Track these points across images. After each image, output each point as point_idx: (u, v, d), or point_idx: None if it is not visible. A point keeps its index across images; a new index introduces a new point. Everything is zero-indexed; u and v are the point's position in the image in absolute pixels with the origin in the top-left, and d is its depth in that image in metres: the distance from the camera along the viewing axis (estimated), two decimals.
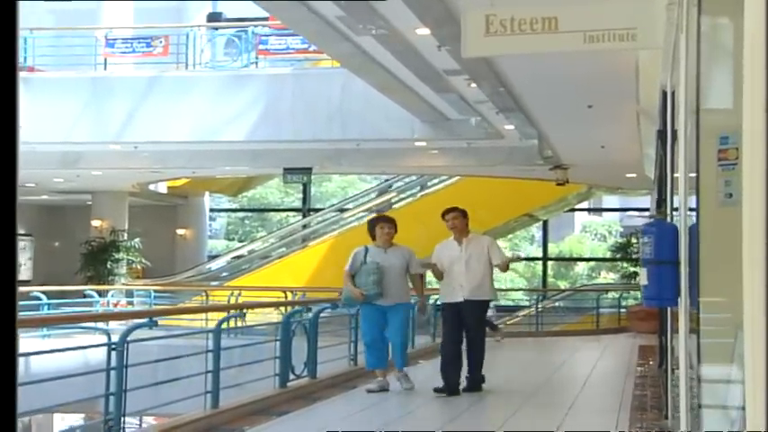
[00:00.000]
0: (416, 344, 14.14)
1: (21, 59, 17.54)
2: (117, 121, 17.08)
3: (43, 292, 16.59)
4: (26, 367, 11.05)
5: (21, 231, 27.36)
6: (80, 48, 18.25)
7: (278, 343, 9.72)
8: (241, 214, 38.10)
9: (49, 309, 15.82)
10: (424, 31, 9.27)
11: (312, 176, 29.47)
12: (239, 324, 12.31)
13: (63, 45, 18.42)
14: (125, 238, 23.57)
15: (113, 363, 6.74)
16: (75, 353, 10.17)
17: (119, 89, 17.28)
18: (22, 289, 19.04)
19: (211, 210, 30.36)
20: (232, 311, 10.05)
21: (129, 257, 23.42)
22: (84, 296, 18.73)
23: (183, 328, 13.24)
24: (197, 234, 27.89)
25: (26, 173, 19.76)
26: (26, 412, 6.24)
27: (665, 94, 6.49)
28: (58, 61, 18.05)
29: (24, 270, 27.32)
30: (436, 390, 9.22)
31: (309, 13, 9.62)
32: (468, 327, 9.34)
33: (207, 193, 28.29)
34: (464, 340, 9.44)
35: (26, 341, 14.22)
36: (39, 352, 7.34)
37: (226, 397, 8.33)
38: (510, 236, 32.42)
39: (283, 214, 35.27)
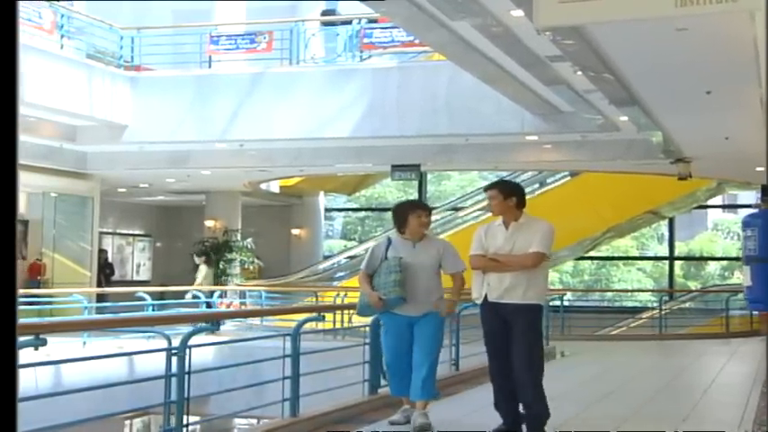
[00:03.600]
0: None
1: (128, 58, 17.62)
2: (222, 118, 16.94)
3: (149, 293, 16.53)
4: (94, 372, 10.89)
5: (140, 232, 27.80)
6: (188, 46, 18.18)
7: (367, 346, 9.20)
8: (361, 214, 37.87)
9: (153, 309, 15.75)
10: (518, 12, 8.62)
11: (430, 175, 29.43)
12: (319, 326, 11.81)
13: (171, 43, 18.36)
14: (238, 238, 23.54)
15: (174, 368, 6.34)
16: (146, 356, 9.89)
17: (223, 87, 17.12)
18: (130, 289, 19.24)
19: (327, 209, 30.16)
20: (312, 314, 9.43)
21: (242, 258, 23.36)
22: (194, 297, 18.67)
23: (279, 329, 12.87)
24: (312, 234, 27.76)
25: (138, 173, 19.94)
26: (74, 422, 5.84)
27: None
28: (166, 59, 18.01)
29: (143, 270, 27.74)
30: None
31: None
32: (513, 338, 6.70)
33: (321, 193, 28.14)
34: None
35: (99, 344, 14.17)
36: (93, 357, 7.00)
37: (307, 404, 7.89)
38: (636, 233, 31.31)
39: None
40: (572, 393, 10.21)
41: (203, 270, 21.86)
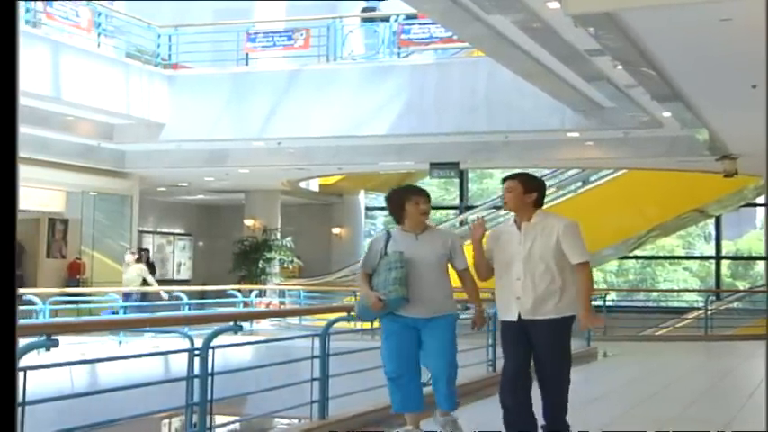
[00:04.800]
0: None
1: (165, 56, 17.59)
2: (259, 116, 16.86)
3: (186, 292, 16.49)
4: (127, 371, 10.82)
5: (180, 231, 27.85)
6: (226, 44, 18.11)
7: None
8: None
9: (189, 309, 15.70)
10: (554, 4, 8.37)
11: (471, 173, 29.20)
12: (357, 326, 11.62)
13: (209, 41, 18.30)
14: (277, 237, 23.47)
15: (196, 370, 6.20)
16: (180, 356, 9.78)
17: (260, 84, 17.04)
18: (166, 288, 19.22)
19: (367, 208, 30.01)
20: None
21: (282, 257, 23.27)
22: (228, 296, 18.59)
23: (316, 329, 12.71)
24: (353, 233, 27.63)
25: (176, 171, 19.93)
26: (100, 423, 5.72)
27: None
28: (203, 58, 17.96)
29: (184, 270, 27.81)
30: None
31: None
32: (537, 357, 5.97)
33: (362, 192, 27.99)
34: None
35: (135, 344, 14.09)
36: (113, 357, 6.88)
37: (338, 406, 7.71)
38: (682, 232, 30.82)
39: (443, 212, 34.70)
40: (614, 394, 10.03)
41: (137, 269, 18.38)
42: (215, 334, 6.32)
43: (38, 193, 18.74)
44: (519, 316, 5.89)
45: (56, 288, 17.62)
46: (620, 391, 10.40)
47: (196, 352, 6.24)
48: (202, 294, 19.60)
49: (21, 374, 4.85)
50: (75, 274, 19.49)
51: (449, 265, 6.36)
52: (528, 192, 5.99)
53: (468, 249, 6.25)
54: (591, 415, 8.25)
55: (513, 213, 6.10)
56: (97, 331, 12.33)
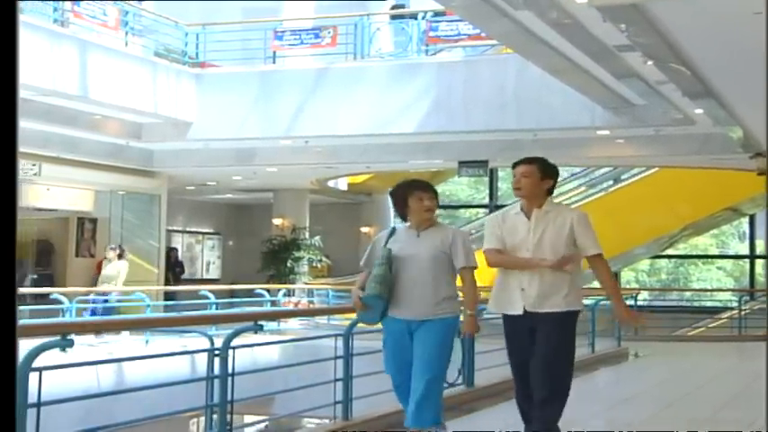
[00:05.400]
0: None
1: (193, 55, 17.57)
2: (287, 115, 16.78)
3: (214, 291, 16.45)
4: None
5: (209, 230, 27.86)
6: (253, 42, 18.06)
7: None
8: None
9: (216, 308, 15.66)
10: None
11: (502, 171, 28.98)
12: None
13: (236, 40, 18.23)
14: (306, 236, 23.40)
15: (216, 370, 6.12)
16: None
17: (287, 82, 16.96)
18: (194, 287, 19.21)
19: None
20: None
21: (310, 256, 23.20)
22: (256, 295, 18.56)
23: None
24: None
25: (204, 170, 19.93)
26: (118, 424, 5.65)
27: None
28: (231, 56, 17.90)
29: (213, 269, 27.81)
30: None
31: None
32: (538, 354, 5.46)
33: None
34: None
35: (162, 343, 14.05)
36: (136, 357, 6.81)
37: (362, 407, 7.61)
38: (716, 231, 30.47)
39: (473, 211, 34.52)
40: (645, 395, 9.89)
41: (118, 266, 17.11)
42: (235, 334, 6.24)
43: (66, 193, 18.79)
44: (524, 309, 5.49)
45: (81, 287, 17.64)
46: (651, 392, 10.26)
47: (216, 352, 6.16)
48: (232, 293, 19.59)
49: (35, 375, 4.80)
50: None
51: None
52: (545, 177, 5.64)
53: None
54: (620, 416, 8.13)
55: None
56: (114, 331, 12.27)
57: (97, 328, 9.49)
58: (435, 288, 5.66)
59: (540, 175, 5.61)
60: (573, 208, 5.95)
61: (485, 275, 6.15)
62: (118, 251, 17.15)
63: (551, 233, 5.51)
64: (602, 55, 10.84)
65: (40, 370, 4.87)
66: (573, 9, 8.87)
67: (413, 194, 5.79)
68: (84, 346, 13.44)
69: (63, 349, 4.85)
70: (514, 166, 5.68)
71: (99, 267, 19.67)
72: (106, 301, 16.35)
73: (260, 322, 6.30)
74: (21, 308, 14.89)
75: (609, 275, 5.71)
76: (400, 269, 5.66)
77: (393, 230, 5.89)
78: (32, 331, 5.01)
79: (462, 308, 5.77)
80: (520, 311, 5.50)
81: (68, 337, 4.74)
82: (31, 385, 4.74)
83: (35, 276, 19.65)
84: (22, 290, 16.06)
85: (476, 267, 5.75)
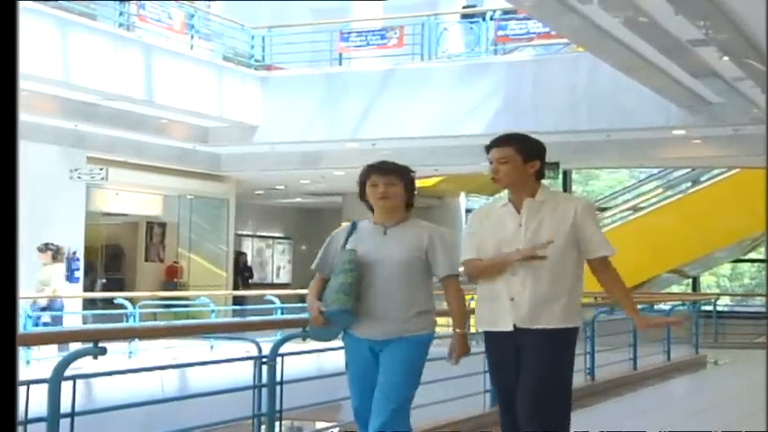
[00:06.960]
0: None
1: (259, 58, 17.46)
2: (353, 117, 16.58)
3: (280, 296, 16.34)
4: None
5: (279, 234, 27.83)
6: (320, 44, 17.90)
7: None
8: None
9: (282, 313, 15.52)
10: None
11: (576, 174, 28.44)
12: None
13: (303, 42, 18.08)
14: None
15: (264, 379, 5.88)
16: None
17: (353, 84, 16.77)
18: (259, 292, 19.11)
19: (468, 210, 29.51)
20: None
21: None
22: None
23: None
24: (452, 236, 27.14)
25: (271, 174, 19.85)
26: None
27: None
28: (297, 58, 17.76)
29: (284, 273, 27.78)
30: None
31: None
32: (528, 378, 4.19)
33: (462, 194, 27.50)
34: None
35: (227, 348, 13.90)
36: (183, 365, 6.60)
37: (420, 416, 7.32)
38: None
39: None
40: (722, 405, 9.54)
41: (50, 269, 13.30)
42: (283, 341, 6.00)
43: (135, 197, 18.87)
44: (514, 326, 4.23)
45: (151, 291, 17.67)
46: (729, 402, 9.84)
47: (263, 360, 5.93)
48: (301, 298, 19.43)
49: (69, 383, 4.63)
50: (172, 278, 19.58)
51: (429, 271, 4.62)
52: (528, 160, 4.31)
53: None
54: (694, 427, 7.74)
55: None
56: (148, 338, 12.16)
57: (126, 335, 9.35)
58: (407, 301, 4.51)
59: (522, 158, 4.29)
60: (576, 196, 4.64)
61: None
62: (51, 253, 13.29)
63: (549, 228, 4.24)
64: (675, 51, 10.43)
65: (74, 378, 4.71)
66: (643, 1, 8.51)
67: (370, 178, 4.62)
68: (149, 351, 13.42)
69: (95, 357, 4.65)
70: (488, 150, 4.38)
71: (168, 272, 19.74)
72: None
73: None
74: (87, 312, 14.95)
75: (621, 281, 4.37)
76: (363, 276, 4.50)
77: (354, 226, 4.72)
78: (63, 338, 4.81)
79: (450, 325, 4.70)
80: (509, 327, 4.24)
81: (100, 345, 4.54)
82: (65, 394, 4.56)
83: (104, 281, 19.78)
84: (89, 294, 16.15)
85: (459, 274, 4.58)
